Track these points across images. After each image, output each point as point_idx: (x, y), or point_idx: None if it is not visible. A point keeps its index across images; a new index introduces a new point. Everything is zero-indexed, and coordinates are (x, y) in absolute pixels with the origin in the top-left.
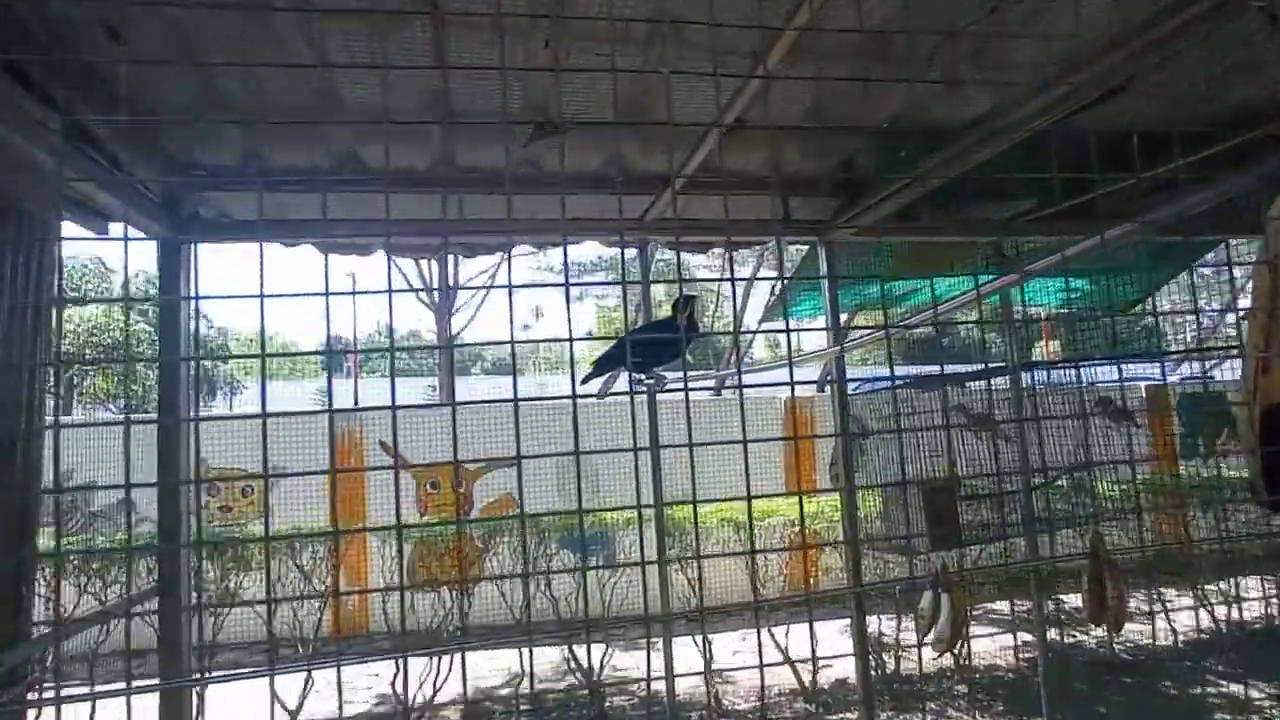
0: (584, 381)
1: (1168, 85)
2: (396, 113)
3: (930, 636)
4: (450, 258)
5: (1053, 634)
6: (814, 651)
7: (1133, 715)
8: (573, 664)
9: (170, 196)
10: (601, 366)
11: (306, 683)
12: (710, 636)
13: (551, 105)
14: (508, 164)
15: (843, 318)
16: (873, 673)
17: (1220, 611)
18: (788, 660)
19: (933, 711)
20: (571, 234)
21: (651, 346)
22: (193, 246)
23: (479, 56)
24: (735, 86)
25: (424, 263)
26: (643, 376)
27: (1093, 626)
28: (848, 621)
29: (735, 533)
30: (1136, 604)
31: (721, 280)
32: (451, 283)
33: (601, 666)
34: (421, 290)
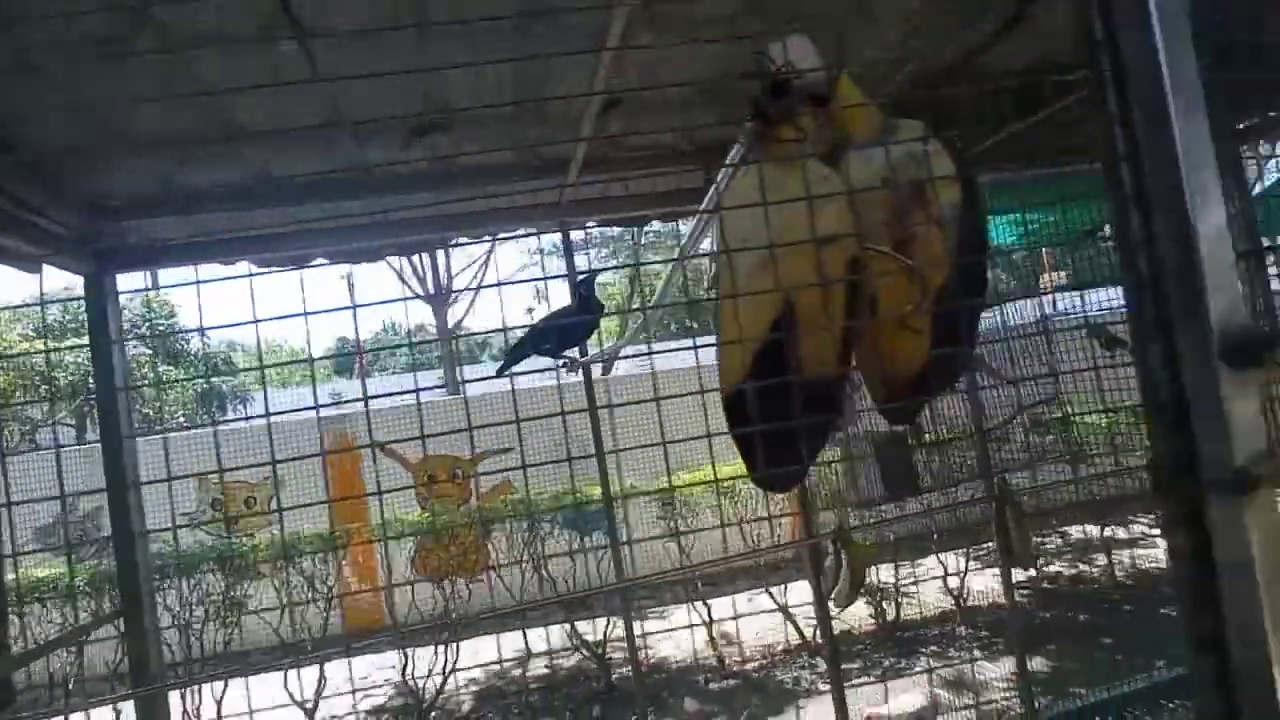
0: (499, 372)
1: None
2: (292, 124)
3: (833, 594)
4: (440, 252)
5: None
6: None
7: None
8: (575, 640)
9: (85, 232)
10: (516, 354)
11: (320, 680)
12: (710, 602)
13: (433, 100)
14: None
15: None
16: (874, 620)
17: None
18: (786, 615)
19: (934, 654)
20: (492, 224)
21: (557, 331)
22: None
23: (356, 65)
24: (606, 60)
25: (416, 259)
26: (558, 361)
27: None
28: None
29: (722, 499)
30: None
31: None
32: (444, 275)
33: (605, 640)
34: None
